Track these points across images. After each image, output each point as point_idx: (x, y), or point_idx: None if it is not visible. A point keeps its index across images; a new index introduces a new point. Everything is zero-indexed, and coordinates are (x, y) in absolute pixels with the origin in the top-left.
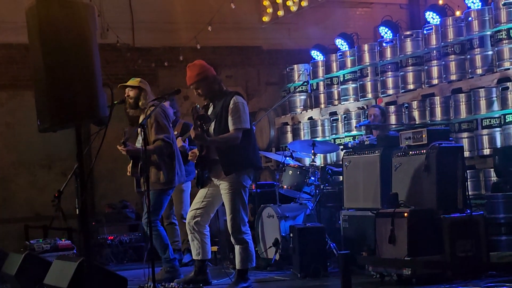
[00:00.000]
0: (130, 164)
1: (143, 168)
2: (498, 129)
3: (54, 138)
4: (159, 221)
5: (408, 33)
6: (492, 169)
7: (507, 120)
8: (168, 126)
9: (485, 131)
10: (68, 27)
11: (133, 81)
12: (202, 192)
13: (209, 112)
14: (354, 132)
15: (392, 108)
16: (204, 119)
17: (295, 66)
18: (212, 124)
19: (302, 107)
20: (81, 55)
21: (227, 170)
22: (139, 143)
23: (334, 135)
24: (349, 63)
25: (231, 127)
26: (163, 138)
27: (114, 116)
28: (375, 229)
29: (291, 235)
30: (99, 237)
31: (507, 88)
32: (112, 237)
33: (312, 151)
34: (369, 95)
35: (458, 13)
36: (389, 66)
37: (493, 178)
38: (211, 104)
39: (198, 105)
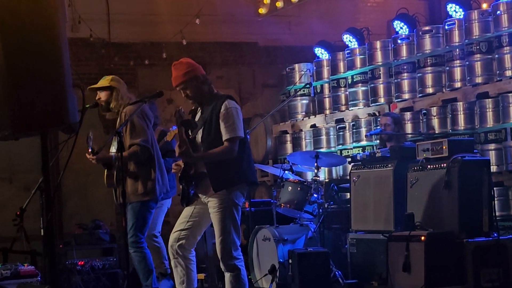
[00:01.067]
0: (105, 174)
1: (118, 179)
2: None
3: (16, 148)
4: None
5: (426, 28)
6: None
7: None
8: (146, 128)
9: None
10: (32, 18)
11: (103, 81)
12: (187, 211)
13: (197, 118)
14: (363, 143)
15: (407, 115)
16: (190, 125)
17: (296, 65)
18: (200, 132)
19: (303, 113)
20: (48, 51)
21: (216, 185)
22: (114, 149)
23: (340, 146)
24: (358, 63)
25: (224, 136)
26: (139, 142)
27: (86, 122)
28: (387, 255)
29: (290, 261)
30: (67, 262)
31: None
32: (82, 262)
33: (315, 164)
34: (382, 100)
35: (485, 5)
36: (405, 67)
37: None
38: (199, 108)
39: (182, 109)
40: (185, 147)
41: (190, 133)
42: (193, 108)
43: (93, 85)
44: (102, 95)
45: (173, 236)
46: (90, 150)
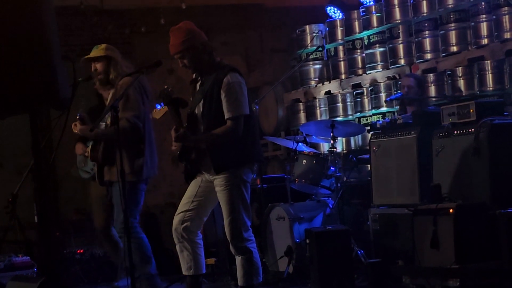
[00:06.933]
0: (89, 147)
1: (106, 154)
2: None
3: (4, 128)
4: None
5: None
6: None
7: None
8: (140, 103)
9: None
10: None
11: (97, 50)
12: (191, 190)
13: (197, 88)
14: (383, 109)
15: (430, 77)
16: (180, 103)
17: (307, 27)
18: (200, 106)
19: (317, 79)
20: (33, 22)
21: (218, 167)
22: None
23: (358, 113)
24: (375, 22)
25: (227, 115)
26: (129, 118)
27: (80, 97)
28: (413, 231)
29: (308, 241)
30: (65, 251)
31: None
32: (81, 251)
33: (331, 134)
34: (402, 61)
35: None
36: (426, 24)
37: None
38: (199, 78)
39: (168, 87)
40: (182, 130)
41: (180, 110)
42: (193, 78)
43: (83, 57)
44: (98, 66)
45: (177, 218)
46: (77, 117)
